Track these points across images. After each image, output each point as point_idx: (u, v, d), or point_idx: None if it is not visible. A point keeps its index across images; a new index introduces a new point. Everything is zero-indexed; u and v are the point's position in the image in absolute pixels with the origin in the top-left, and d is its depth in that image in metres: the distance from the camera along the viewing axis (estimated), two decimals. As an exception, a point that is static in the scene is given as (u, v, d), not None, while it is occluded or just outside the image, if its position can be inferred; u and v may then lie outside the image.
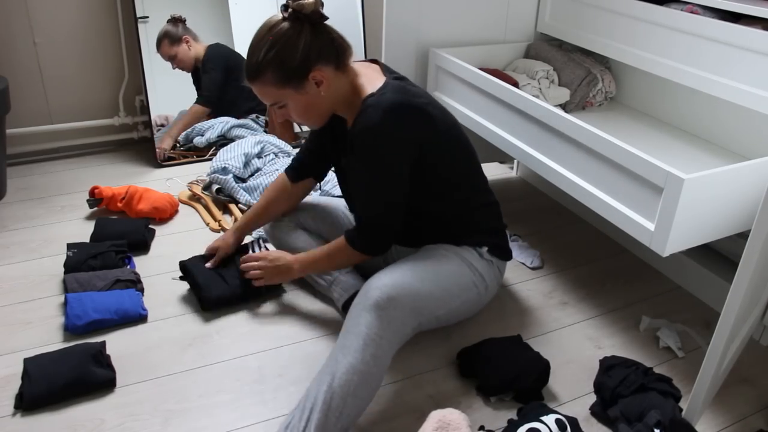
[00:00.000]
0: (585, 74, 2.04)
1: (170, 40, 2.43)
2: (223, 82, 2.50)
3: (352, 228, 1.47)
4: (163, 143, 2.47)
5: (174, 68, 2.47)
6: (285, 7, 1.32)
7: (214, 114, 2.55)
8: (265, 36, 1.32)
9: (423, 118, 1.39)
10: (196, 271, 1.68)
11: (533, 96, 1.66)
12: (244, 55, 1.37)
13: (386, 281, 1.32)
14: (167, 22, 2.42)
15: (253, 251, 1.76)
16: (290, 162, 1.72)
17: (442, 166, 1.45)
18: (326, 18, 1.34)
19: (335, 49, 1.37)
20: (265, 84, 1.35)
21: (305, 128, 2.67)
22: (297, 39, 1.31)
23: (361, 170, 1.40)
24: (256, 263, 1.61)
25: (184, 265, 1.72)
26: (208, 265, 1.69)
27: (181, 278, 1.73)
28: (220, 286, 1.65)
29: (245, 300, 1.67)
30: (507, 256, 1.59)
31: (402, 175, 1.39)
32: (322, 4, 1.33)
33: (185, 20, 2.45)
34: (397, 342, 1.30)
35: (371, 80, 1.42)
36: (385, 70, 1.48)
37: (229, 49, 2.54)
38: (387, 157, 1.36)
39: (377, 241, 1.46)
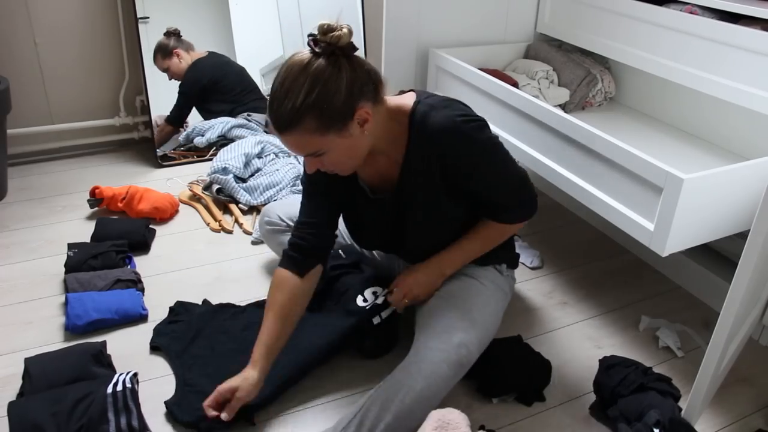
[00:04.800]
0: (585, 74, 2.04)
1: (162, 53, 2.48)
2: (188, 105, 2.53)
3: (500, 213, 1.40)
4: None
5: (170, 80, 2.52)
6: (315, 42, 1.13)
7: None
8: (300, 77, 1.11)
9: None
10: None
11: (533, 96, 1.66)
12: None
13: (475, 340, 1.31)
14: (163, 35, 2.48)
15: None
16: (287, 252, 1.38)
17: None
18: (357, 48, 1.17)
19: (372, 82, 1.20)
20: (303, 133, 1.14)
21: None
22: (338, 76, 1.12)
23: (477, 166, 1.29)
24: (404, 296, 1.44)
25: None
26: (223, 415, 1.24)
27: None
28: None
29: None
30: (517, 264, 1.60)
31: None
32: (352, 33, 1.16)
33: (179, 33, 2.50)
34: None
35: (401, 97, 1.32)
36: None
37: (209, 68, 2.53)
38: (490, 137, 1.29)
39: (532, 207, 1.43)
